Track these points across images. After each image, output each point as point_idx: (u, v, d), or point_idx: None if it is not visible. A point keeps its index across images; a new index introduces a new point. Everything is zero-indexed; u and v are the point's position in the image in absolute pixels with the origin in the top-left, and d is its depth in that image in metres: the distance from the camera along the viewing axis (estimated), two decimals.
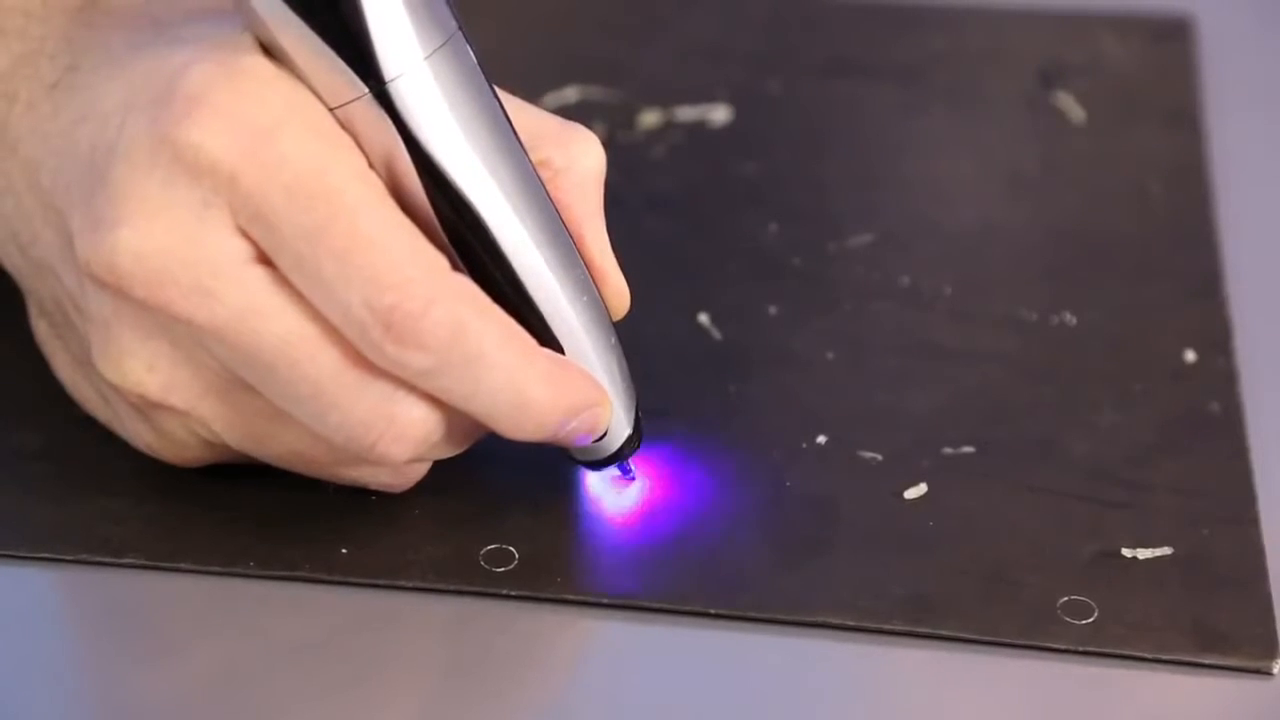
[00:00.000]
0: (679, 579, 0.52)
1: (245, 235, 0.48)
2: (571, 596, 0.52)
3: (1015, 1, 0.76)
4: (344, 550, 0.53)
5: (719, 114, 0.70)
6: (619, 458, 0.53)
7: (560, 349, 0.51)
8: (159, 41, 0.50)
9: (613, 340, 0.52)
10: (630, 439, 0.53)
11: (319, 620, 0.51)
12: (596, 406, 0.51)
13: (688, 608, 0.52)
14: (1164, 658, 0.51)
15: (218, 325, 0.48)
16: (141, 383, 0.50)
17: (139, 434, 0.53)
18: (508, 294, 0.50)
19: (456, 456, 0.52)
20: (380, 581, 0.52)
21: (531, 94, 0.56)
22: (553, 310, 0.50)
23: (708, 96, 0.71)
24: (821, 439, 0.56)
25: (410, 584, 0.52)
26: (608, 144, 0.53)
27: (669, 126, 0.70)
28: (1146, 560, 0.53)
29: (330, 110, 0.48)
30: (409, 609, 0.52)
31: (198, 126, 0.48)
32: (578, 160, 0.52)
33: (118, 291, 0.49)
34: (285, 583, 0.52)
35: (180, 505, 0.54)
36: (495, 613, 0.52)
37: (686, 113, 0.70)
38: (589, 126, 0.53)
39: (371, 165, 0.49)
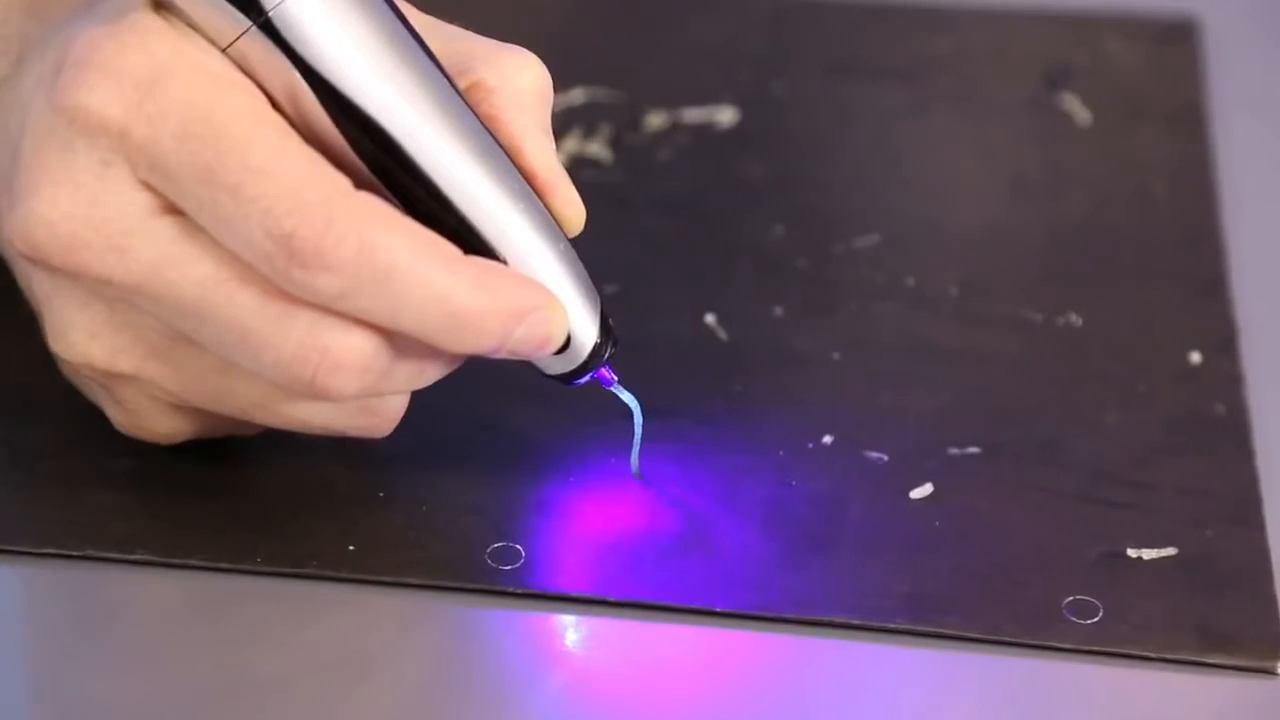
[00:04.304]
0: (685, 578, 0.52)
1: (148, 187, 0.48)
2: (577, 595, 0.52)
3: (1021, 3, 0.76)
4: (351, 547, 0.53)
5: (725, 116, 0.70)
6: (590, 367, 0.52)
7: (503, 262, 0.50)
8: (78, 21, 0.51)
9: (562, 246, 0.51)
10: (599, 346, 0.51)
11: (325, 617, 0.51)
12: (543, 309, 0.49)
13: (693, 606, 0.52)
14: (1169, 658, 0.51)
15: (135, 281, 0.49)
16: (88, 352, 0.51)
17: (112, 413, 0.53)
18: (437, 212, 0.49)
19: (460, 456, 0.52)
20: (387, 579, 0.52)
21: None
22: (485, 221, 0.49)
23: (714, 98, 0.71)
24: (827, 439, 0.57)
25: (417, 581, 0.52)
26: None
27: (675, 128, 0.70)
28: (1151, 560, 0.53)
29: (223, 52, 0.48)
30: (415, 606, 0.52)
31: (84, 88, 0.48)
32: (511, 77, 0.51)
33: (41, 264, 0.49)
34: (292, 579, 0.52)
35: (187, 501, 0.54)
36: (501, 610, 0.52)
37: (692, 114, 0.70)
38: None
39: (276, 101, 0.49)
